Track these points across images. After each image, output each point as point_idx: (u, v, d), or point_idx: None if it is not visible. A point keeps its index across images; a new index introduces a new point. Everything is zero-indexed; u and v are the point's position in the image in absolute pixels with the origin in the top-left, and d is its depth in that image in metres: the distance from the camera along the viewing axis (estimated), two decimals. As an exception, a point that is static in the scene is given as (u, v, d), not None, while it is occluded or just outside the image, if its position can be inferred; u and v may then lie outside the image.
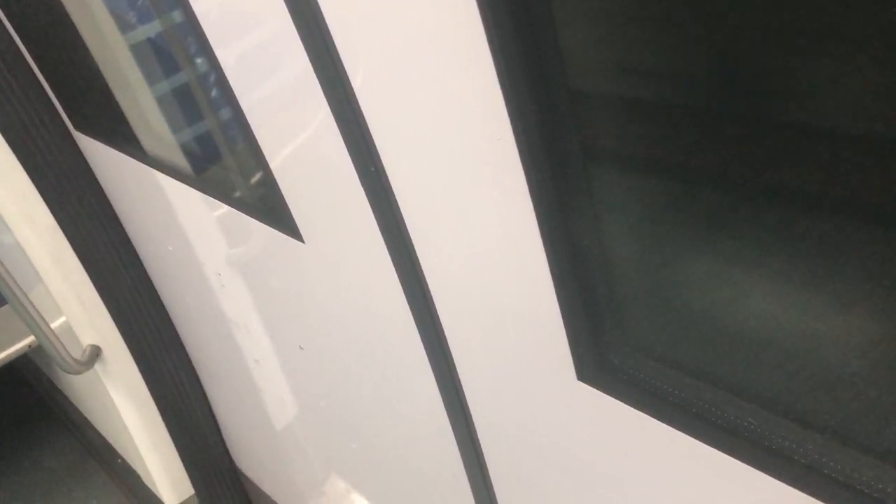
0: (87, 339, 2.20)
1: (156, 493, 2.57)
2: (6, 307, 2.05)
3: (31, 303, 1.94)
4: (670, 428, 0.80)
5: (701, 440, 0.78)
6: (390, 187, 0.95)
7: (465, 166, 0.83)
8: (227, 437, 2.41)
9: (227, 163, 1.45)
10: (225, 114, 1.34)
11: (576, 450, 0.98)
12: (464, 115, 0.78)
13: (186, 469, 2.43)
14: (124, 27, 1.51)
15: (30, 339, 2.56)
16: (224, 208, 1.44)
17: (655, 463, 0.87)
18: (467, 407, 1.13)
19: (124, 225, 2.01)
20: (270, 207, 1.27)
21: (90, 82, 1.70)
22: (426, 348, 1.11)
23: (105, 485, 3.07)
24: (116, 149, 1.72)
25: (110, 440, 2.95)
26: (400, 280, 1.06)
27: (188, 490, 2.51)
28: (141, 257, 2.06)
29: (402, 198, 0.95)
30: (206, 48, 1.09)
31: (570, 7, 0.66)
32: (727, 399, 0.76)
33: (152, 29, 1.46)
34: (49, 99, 1.82)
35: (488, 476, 1.21)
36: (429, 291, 1.02)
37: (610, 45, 0.67)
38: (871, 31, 0.50)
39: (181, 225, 1.67)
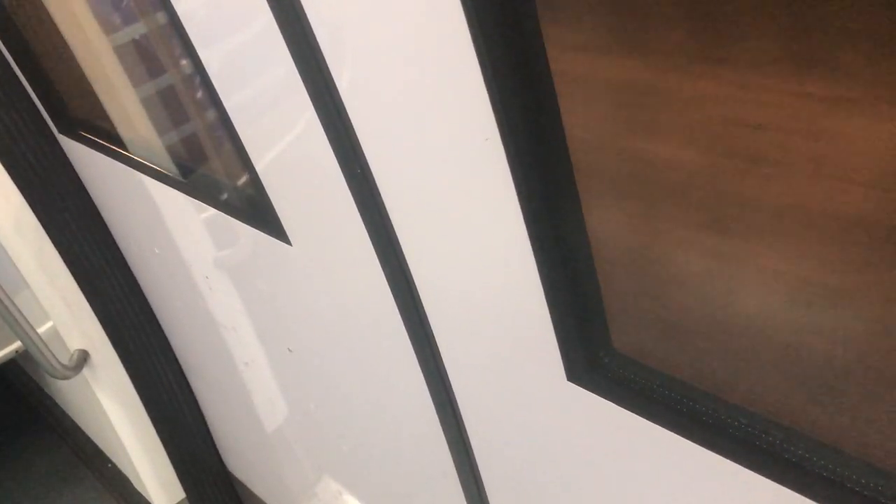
0: (75, 343, 2.19)
1: (146, 496, 2.56)
2: (-8, 312, 2.03)
3: (16, 308, 1.93)
4: (660, 428, 0.80)
5: (691, 440, 0.78)
6: (377, 189, 0.94)
7: (452, 167, 0.82)
8: (218, 440, 2.40)
9: (213, 165, 1.44)
10: (210, 116, 1.33)
11: (566, 450, 0.98)
12: (450, 116, 0.77)
13: (177, 472, 2.42)
14: (108, 29, 1.49)
15: (16, 345, 2.54)
16: (211, 211, 1.43)
17: (645, 462, 0.87)
18: (457, 408, 1.13)
19: (110, 228, 1.99)
20: (257, 210, 1.26)
21: (74, 85, 1.69)
22: (415, 350, 1.11)
23: (95, 489, 3.06)
24: (101, 152, 1.70)
25: (100, 445, 2.94)
26: (388, 281, 1.05)
27: (179, 493, 2.50)
28: (128, 261, 2.05)
29: (388, 199, 0.95)
30: (189, 50, 1.08)
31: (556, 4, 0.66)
32: (717, 398, 0.76)
33: (136, 31, 1.45)
34: (33, 102, 1.80)
35: (479, 476, 1.21)
36: (417, 293, 1.02)
37: (599, 38, 0.67)
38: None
39: (168, 228, 1.66)
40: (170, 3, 1.04)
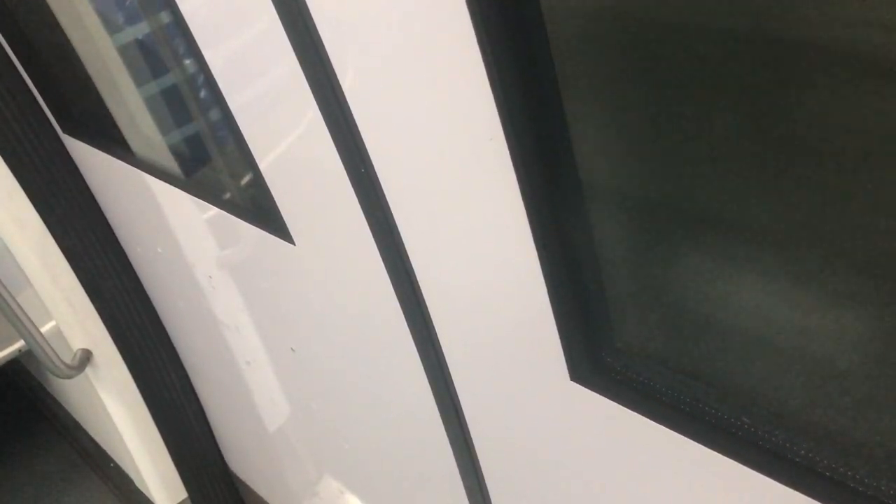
0: (78, 343, 2.19)
1: (149, 496, 2.56)
2: (-5, 312, 2.03)
3: (19, 307, 1.93)
4: (663, 427, 0.80)
5: (695, 439, 0.78)
6: (381, 188, 0.95)
7: (456, 166, 0.82)
8: (220, 440, 2.40)
9: (217, 165, 1.44)
10: (213, 115, 1.33)
11: (569, 450, 0.98)
12: (454, 115, 0.77)
13: (179, 472, 2.42)
14: (112, 28, 1.50)
15: (19, 344, 2.54)
16: (214, 210, 1.43)
17: (649, 462, 0.86)
18: (460, 407, 1.13)
19: (114, 228, 2.00)
20: (260, 209, 1.26)
21: (78, 84, 1.69)
22: (418, 349, 1.11)
23: (98, 489, 3.06)
24: (105, 151, 1.71)
25: (102, 444, 2.94)
26: (391, 281, 1.05)
27: (181, 493, 2.50)
28: (131, 260, 2.05)
29: (392, 199, 0.95)
30: (193, 49, 1.08)
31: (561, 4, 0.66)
32: (721, 398, 0.76)
33: (140, 30, 1.45)
34: (36, 101, 1.81)
35: (482, 476, 1.21)
36: (420, 292, 1.02)
37: (603, 41, 0.67)
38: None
39: (171, 227, 1.66)
40: (174, 2, 1.05)
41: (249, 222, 1.33)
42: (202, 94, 1.31)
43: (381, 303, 1.10)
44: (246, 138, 1.13)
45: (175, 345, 2.21)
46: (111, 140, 1.68)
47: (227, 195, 1.40)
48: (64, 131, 1.84)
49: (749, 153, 0.61)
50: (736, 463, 0.75)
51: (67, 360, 2.14)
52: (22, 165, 1.83)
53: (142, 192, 1.64)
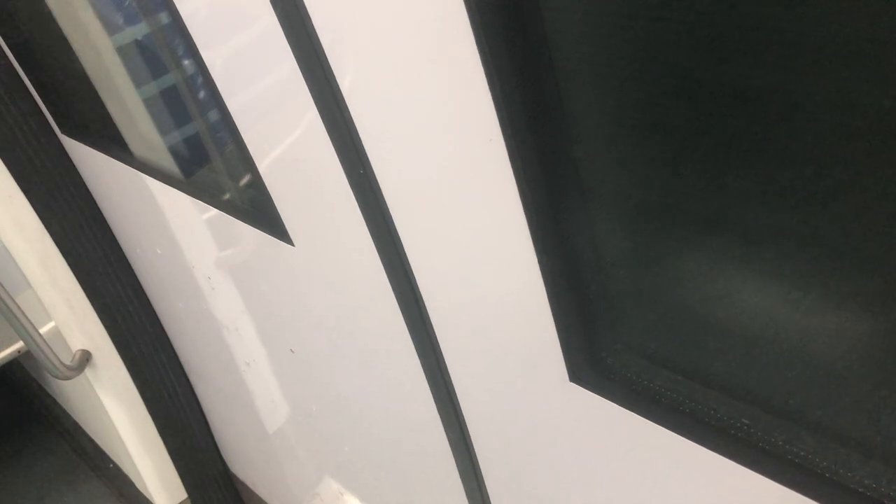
0: (77, 344, 2.19)
1: (148, 497, 2.56)
2: (-6, 313, 2.03)
3: (19, 308, 1.93)
4: (662, 428, 0.80)
5: (694, 440, 0.78)
6: (379, 189, 0.95)
7: (455, 168, 0.82)
8: (220, 441, 2.40)
9: (216, 166, 1.44)
10: (212, 116, 1.33)
11: (569, 451, 0.98)
12: (453, 117, 0.77)
13: (179, 473, 2.42)
14: (111, 29, 1.50)
15: (19, 345, 2.54)
16: (213, 211, 1.43)
17: (648, 463, 0.86)
18: (460, 409, 1.13)
19: (113, 229, 2.00)
20: (260, 210, 1.26)
21: (77, 85, 1.69)
22: (417, 351, 1.11)
23: (97, 490, 3.06)
24: (104, 152, 1.71)
25: (102, 445, 2.94)
26: (390, 282, 1.05)
27: (181, 494, 2.50)
28: (130, 261, 2.05)
29: (391, 200, 0.95)
30: (192, 50, 1.08)
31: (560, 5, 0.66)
32: (720, 399, 0.76)
33: (139, 31, 1.45)
34: (35, 102, 1.81)
35: (482, 477, 1.21)
36: (419, 294, 1.02)
37: (602, 41, 0.67)
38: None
39: (170, 228, 1.66)
40: (172, 3, 1.05)
41: (248, 223, 1.33)
42: (201, 95, 1.31)
43: (380, 304, 1.10)
44: (245, 139, 1.13)
45: (174, 346, 2.21)
46: (110, 141, 1.68)
47: (227, 196, 1.40)
48: (63, 132, 1.84)
49: (747, 154, 0.61)
50: (735, 464, 0.75)
51: (67, 362, 2.14)
52: (21, 166, 1.83)
53: (141, 193, 1.64)
